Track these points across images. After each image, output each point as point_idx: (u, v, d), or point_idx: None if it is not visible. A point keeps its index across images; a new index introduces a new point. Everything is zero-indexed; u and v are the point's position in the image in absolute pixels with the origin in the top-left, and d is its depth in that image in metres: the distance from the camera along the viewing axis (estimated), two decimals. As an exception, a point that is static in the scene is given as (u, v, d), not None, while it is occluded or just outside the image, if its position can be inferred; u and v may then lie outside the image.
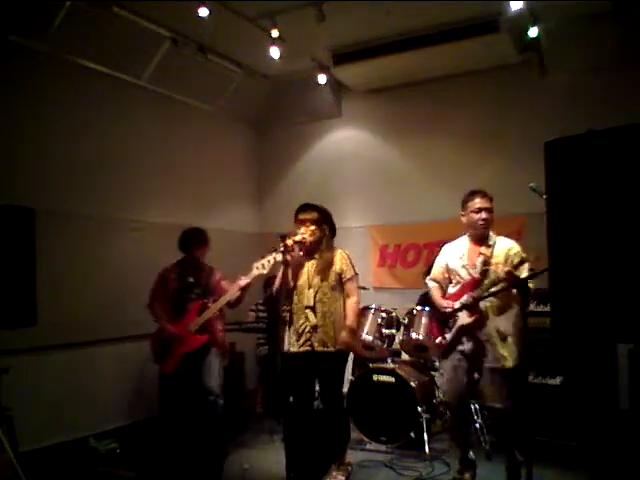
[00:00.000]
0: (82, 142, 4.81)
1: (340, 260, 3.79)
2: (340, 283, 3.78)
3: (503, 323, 3.44)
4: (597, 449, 3.91)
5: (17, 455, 3.15)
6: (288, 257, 3.52)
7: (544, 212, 1.89)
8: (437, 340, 3.71)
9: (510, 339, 3.43)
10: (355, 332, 3.87)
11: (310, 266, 3.77)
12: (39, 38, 4.37)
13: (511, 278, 3.21)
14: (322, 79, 5.81)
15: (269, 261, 3.77)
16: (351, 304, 3.78)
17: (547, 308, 4.27)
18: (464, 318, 3.50)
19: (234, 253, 5.74)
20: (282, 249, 3.48)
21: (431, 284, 3.81)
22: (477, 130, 5.68)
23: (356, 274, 3.85)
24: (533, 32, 4.89)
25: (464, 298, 3.50)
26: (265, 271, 3.82)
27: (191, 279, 4.16)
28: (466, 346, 3.52)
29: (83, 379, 4.70)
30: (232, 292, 3.96)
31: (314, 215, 3.75)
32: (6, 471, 3.06)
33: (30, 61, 4.42)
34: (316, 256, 3.78)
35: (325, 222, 3.79)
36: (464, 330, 3.52)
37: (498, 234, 3.67)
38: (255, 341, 5.79)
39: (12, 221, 3.21)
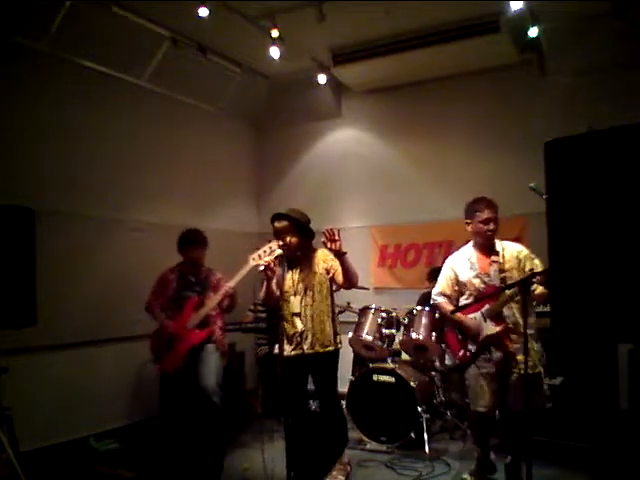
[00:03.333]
0: (82, 142, 4.81)
1: (322, 260, 3.76)
2: (326, 283, 3.76)
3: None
4: (597, 449, 3.91)
5: (17, 455, 3.15)
6: (269, 273, 3.51)
7: (544, 212, 1.89)
8: (460, 353, 3.57)
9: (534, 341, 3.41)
10: (345, 261, 3.57)
11: (293, 273, 3.76)
12: (39, 38, 4.37)
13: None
14: (322, 79, 5.81)
15: (265, 251, 3.80)
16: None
17: (547, 308, 4.27)
18: (490, 328, 3.42)
19: (234, 253, 5.72)
20: (262, 267, 3.48)
21: (440, 299, 3.70)
22: (477, 130, 5.68)
23: None
24: (533, 32, 4.88)
25: (485, 308, 3.43)
26: (261, 262, 3.84)
27: (192, 278, 4.18)
28: (495, 355, 3.45)
29: (83, 379, 4.69)
30: (224, 291, 4.00)
31: (285, 224, 3.69)
32: (6, 471, 3.06)
33: (30, 61, 4.42)
34: (297, 262, 3.75)
35: (298, 229, 3.71)
36: (491, 341, 3.44)
37: (498, 234, 3.66)
38: (255, 341, 5.79)
39: (12, 221, 3.21)
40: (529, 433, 3.16)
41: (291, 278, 3.75)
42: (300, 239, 3.73)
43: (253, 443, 4.75)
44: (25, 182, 4.30)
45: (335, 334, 3.79)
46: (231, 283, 3.98)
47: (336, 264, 3.73)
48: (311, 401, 4.69)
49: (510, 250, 3.52)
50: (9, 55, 4.26)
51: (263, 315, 5.54)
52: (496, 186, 5.25)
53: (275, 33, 4.83)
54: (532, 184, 3.28)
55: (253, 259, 3.85)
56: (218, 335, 4.16)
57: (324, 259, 3.78)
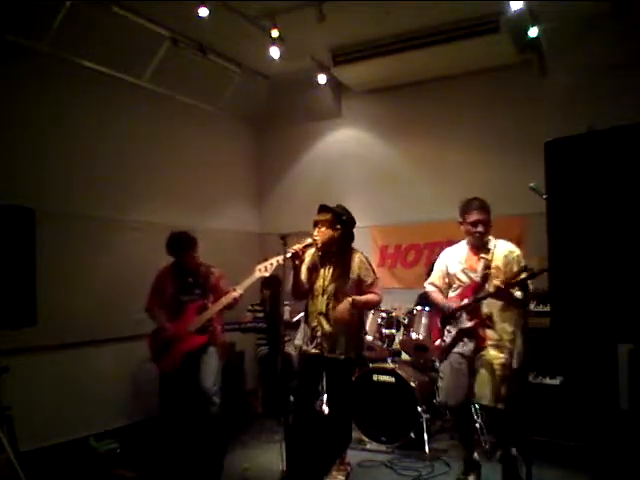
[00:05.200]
0: (82, 142, 4.81)
1: (358, 266, 3.72)
2: (356, 290, 3.70)
3: (507, 325, 3.48)
4: (597, 449, 3.91)
5: (17, 455, 3.15)
6: (297, 261, 3.51)
7: (544, 212, 1.89)
8: (437, 342, 3.73)
9: (516, 340, 3.47)
10: (356, 307, 3.65)
11: (326, 271, 3.71)
12: (39, 38, 4.37)
13: (501, 293, 3.31)
14: (322, 79, 5.81)
15: (272, 264, 3.78)
16: (371, 295, 3.73)
17: (547, 308, 4.27)
18: (464, 322, 3.52)
19: (234, 253, 5.74)
20: (291, 255, 3.48)
21: (430, 288, 3.81)
22: (477, 130, 5.68)
23: (377, 278, 3.80)
24: (533, 32, 4.88)
25: (464, 301, 3.52)
26: (267, 274, 3.83)
27: (190, 279, 4.16)
28: (466, 347, 3.54)
29: (83, 379, 4.69)
30: (227, 299, 3.99)
31: (327, 217, 3.69)
32: (6, 471, 3.06)
33: (30, 61, 4.41)
34: (333, 260, 3.72)
35: (340, 224, 3.70)
36: (464, 334, 3.54)
37: (498, 235, 3.68)
38: (255, 341, 5.79)
39: (12, 221, 3.20)
40: (529, 433, 3.18)
41: (323, 276, 3.71)
42: (337, 235, 3.69)
43: (253, 443, 4.76)
44: (25, 182, 4.29)
45: (360, 341, 3.77)
46: (235, 294, 3.97)
47: (369, 278, 3.71)
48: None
49: (501, 249, 3.58)
50: (9, 55, 4.26)
51: (261, 315, 5.55)
52: (496, 186, 5.26)
53: (275, 33, 4.83)
54: (532, 184, 3.28)
55: (259, 270, 3.85)
56: (220, 337, 4.16)
57: (359, 265, 3.72)
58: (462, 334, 3.55)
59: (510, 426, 3.40)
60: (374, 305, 3.86)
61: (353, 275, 3.70)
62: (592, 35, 4.84)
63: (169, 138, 5.66)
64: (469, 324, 3.50)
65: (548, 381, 4.30)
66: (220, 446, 4.05)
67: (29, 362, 4.24)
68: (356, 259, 3.75)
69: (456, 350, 3.57)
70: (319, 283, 3.70)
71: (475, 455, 3.75)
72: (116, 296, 4.89)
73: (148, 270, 4.32)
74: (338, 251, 3.73)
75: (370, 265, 3.80)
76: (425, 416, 4.41)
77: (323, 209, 3.74)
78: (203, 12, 4.43)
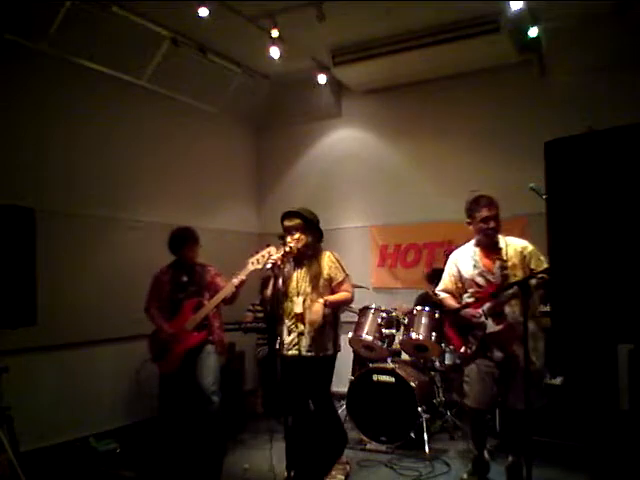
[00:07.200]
0: (82, 142, 4.82)
1: (328, 265, 3.73)
2: (329, 289, 3.73)
3: (530, 325, 3.40)
4: (597, 449, 3.91)
5: (17, 455, 3.15)
6: (277, 270, 3.50)
7: (544, 212, 1.89)
8: (461, 350, 3.58)
9: (538, 341, 3.42)
10: (329, 307, 3.65)
11: (299, 273, 3.74)
12: (39, 38, 4.37)
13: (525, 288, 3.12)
14: (322, 79, 5.81)
15: (263, 256, 3.80)
16: (343, 293, 3.73)
17: (547, 308, 4.27)
18: (491, 326, 3.41)
19: (234, 253, 5.72)
20: (270, 266, 3.48)
21: (443, 295, 3.71)
22: (477, 130, 5.68)
23: (347, 275, 3.78)
24: (533, 32, 4.89)
25: (486, 305, 3.42)
26: (260, 266, 3.83)
27: (185, 278, 4.16)
28: (495, 355, 3.44)
29: (83, 379, 4.69)
30: (227, 290, 3.97)
31: (297, 222, 3.68)
32: (5, 471, 3.06)
33: (30, 61, 4.42)
34: (305, 262, 3.74)
35: (308, 227, 3.71)
36: (492, 339, 3.44)
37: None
38: (255, 341, 5.79)
39: (12, 221, 3.20)
40: (529, 433, 3.17)
41: (296, 278, 3.73)
42: (310, 238, 3.71)
43: (253, 443, 4.76)
44: (25, 182, 4.30)
45: (336, 338, 3.78)
46: (229, 287, 3.96)
47: (340, 276, 3.73)
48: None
49: (514, 246, 3.49)
50: (9, 55, 4.26)
51: (261, 315, 5.55)
52: (496, 186, 5.21)
53: (275, 33, 4.84)
54: (532, 184, 3.29)
55: (252, 263, 3.85)
56: (217, 335, 4.16)
57: (329, 264, 3.75)
58: (489, 339, 3.43)
59: (531, 431, 3.28)
60: (346, 303, 3.86)
61: (324, 275, 3.71)
62: (592, 35, 4.84)
63: (169, 138, 5.66)
64: (497, 328, 3.38)
65: (548, 381, 4.29)
66: (220, 446, 4.04)
67: (29, 362, 4.24)
68: (325, 259, 3.76)
69: (486, 354, 3.48)
70: (293, 285, 3.72)
71: (485, 454, 3.72)
72: (116, 296, 4.89)
73: (148, 270, 4.32)
74: (310, 254, 3.75)
75: (340, 263, 3.79)
76: (425, 416, 4.41)
77: (290, 215, 3.73)
78: (203, 12, 4.44)
